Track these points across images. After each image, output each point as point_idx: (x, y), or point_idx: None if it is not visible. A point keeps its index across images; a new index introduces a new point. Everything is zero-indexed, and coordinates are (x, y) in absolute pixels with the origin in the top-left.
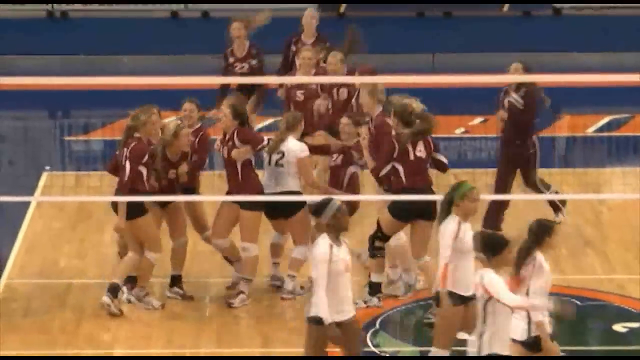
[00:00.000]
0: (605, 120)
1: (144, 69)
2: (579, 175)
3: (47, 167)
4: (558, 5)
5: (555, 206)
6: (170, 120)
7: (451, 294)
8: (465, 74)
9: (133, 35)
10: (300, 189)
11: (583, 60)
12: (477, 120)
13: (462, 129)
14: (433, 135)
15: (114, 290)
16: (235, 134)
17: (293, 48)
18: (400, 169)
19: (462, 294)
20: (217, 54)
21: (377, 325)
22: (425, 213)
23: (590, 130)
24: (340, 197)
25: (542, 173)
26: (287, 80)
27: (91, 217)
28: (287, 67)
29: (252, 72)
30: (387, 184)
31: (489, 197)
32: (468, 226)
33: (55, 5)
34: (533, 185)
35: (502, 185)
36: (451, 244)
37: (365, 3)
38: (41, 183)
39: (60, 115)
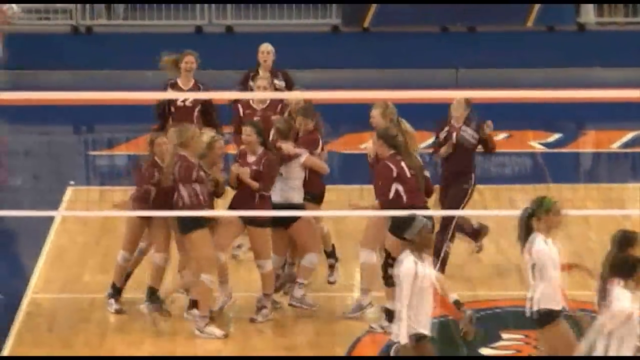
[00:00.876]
0: (630, 135)
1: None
2: (603, 190)
3: (72, 182)
4: (582, 21)
5: (477, 234)
6: (204, 132)
7: (550, 312)
8: (488, 89)
9: (157, 50)
10: (302, 202)
11: (607, 75)
12: (501, 135)
13: None
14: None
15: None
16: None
17: (251, 83)
18: (400, 188)
19: (555, 308)
20: (240, 70)
21: None
22: None
23: (614, 146)
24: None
25: (566, 188)
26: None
27: (115, 232)
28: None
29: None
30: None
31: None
32: (550, 241)
33: (80, 21)
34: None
35: (449, 223)
36: (548, 263)
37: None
38: (65, 198)
39: (85, 130)
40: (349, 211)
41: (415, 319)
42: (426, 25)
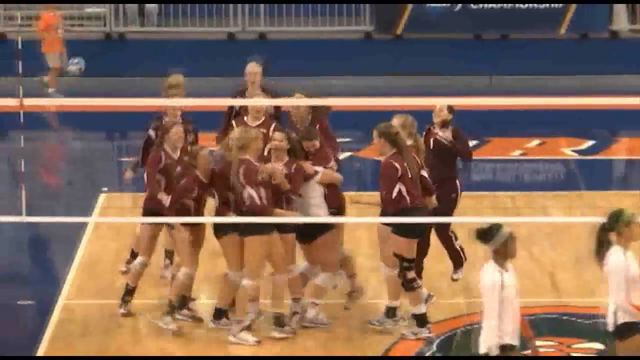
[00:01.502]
0: None
1: (200, 91)
2: (636, 197)
3: (105, 189)
4: (615, 28)
5: (459, 261)
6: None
7: (629, 325)
8: (522, 96)
9: (190, 57)
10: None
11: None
12: (534, 142)
13: (520, 151)
14: None
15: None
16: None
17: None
18: (403, 188)
19: (633, 320)
20: (273, 77)
21: (435, 348)
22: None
23: None
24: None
25: (598, 195)
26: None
27: None
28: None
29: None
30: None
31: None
32: (630, 253)
33: (114, 28)
34: (444, 232)
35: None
36: (626, 276)
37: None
38: (98, 204)
39: (118, 136)
40: (366, 218)
41: (502, 329)
42: (459, 32)
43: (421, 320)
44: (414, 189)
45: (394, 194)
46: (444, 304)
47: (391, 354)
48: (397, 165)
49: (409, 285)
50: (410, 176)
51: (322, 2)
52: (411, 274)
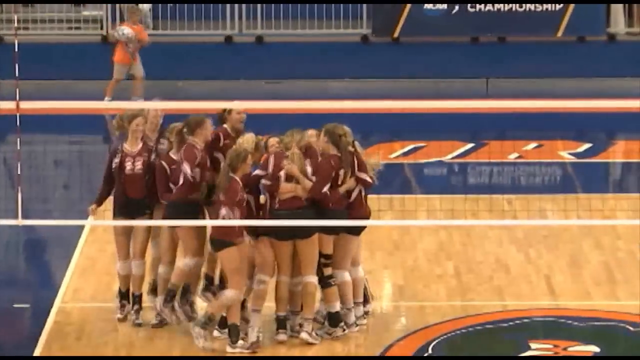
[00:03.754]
0: None
1: (198, 94)
2: (633, 200)
3: None
4: (612, 31)
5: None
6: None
7: None
8: (519, 99)
9: (188, 60)
10: None
11: (637, 85)
12: (531, 145)
13: (516, 154)
14: None
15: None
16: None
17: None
18: (328, 190)
19: None
20: (271, 80)
21: (430, 351)
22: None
23: None
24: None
25: (596, 198)
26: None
27: None
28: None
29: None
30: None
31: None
32: None
33: (110, 31)
34: None
35: None
36: None
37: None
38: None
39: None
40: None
41: None
42: (456, 36)
43: (335, 319)
44: (337, 193)
45: (324, 189)
46: (441, 306)
47: (389, 354)
48: (334, 165)
49: (325, 282)
50: (339, 183)
51: (320, 2)
52: (328, 270)
